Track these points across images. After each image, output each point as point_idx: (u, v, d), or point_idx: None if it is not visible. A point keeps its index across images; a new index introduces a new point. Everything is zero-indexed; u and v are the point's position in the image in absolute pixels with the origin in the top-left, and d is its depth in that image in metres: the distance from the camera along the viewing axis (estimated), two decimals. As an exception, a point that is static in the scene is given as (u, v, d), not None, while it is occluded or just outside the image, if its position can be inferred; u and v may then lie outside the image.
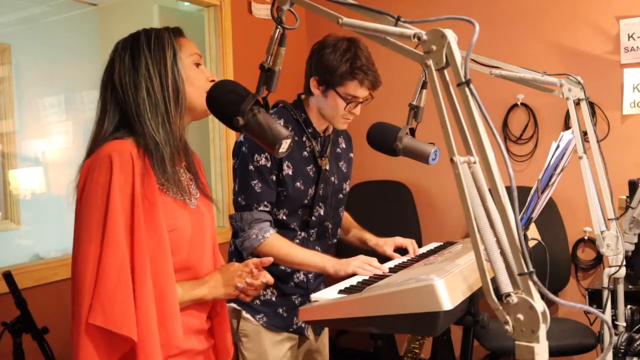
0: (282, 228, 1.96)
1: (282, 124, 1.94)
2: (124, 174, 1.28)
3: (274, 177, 1.93)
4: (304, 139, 2.00)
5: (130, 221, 1.28)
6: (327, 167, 2.05)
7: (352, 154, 2.24)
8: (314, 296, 1.51)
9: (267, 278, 1.48)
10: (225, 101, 1.24)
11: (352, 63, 1.88)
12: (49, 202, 3.83)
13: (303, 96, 2.04)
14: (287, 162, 1.94)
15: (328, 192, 2.05)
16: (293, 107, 2.02)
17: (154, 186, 1.33)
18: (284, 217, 1.99)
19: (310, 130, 2.01)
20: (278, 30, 1.21)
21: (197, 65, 1.45)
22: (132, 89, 1.37)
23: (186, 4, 3.60)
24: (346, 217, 2.25)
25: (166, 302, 1.30)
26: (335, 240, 2.16)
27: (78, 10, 4.02)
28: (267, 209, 1.93)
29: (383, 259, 1.96)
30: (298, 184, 1.97)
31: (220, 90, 1.26)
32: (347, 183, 2.18)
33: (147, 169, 1.33)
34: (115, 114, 1.39)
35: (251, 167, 1.91)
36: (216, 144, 3.36)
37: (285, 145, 1.24)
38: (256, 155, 1.91)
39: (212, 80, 1.45)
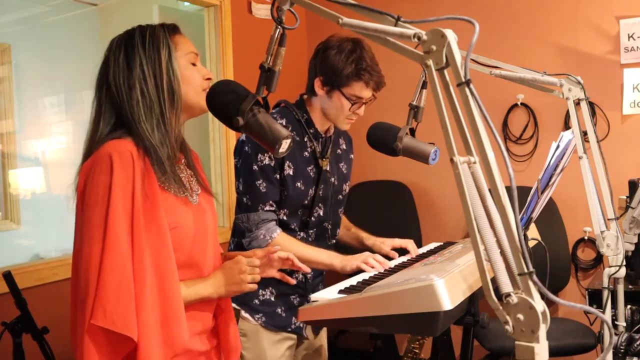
0: (282, 228, 1.97)
1: (284, 123, 1.94)
2: (125, 173, 1.28)
3: (277, 176, 1.93)
4: (306, 139, 2.00)
5: (131, 221, 1.27)
6: (328, 168, 2.05)
7: (352, 155, 2.24)
8: (313, 296, 1.51)
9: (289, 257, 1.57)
10: (225, 101, 1.24)
11: (358, 64, 1.89)
12: (49, 202, 3.83)
13: (305, 96, 2.04)
14: (288, 162, 1.94)
15: (328, 192, 2.05)
16: (295, 107, 2.02)
17: (154, 185, 1.33)
18: (284, 217, 1.99)
19: (311, 131, 2.01)
20: (278, 30, 1.22)
21: (194, 64, 1.43)
22: (126, 89, 1.35)
23: (186, 4, 3.60)
24: (342, 218, 2.25)
25: (170, 302, 1.30)
26: (334, 241, 2.16)
27: (78, 10, 4.02)
28: (273, 209, 1.94)
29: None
30: (298, 184, 1.97)
31: (220, 90, 1.26)
32: (347, 184, 2.18)
33: (147, 169, 1.32)
34: (112, 115, 1.37)
35: (255, 167, 1.91)
36: (216, 144, 3.36)
37: (285, 145, 1.24)
38: (260, 155, 1.91)
39: (208, 79, 1.44)
